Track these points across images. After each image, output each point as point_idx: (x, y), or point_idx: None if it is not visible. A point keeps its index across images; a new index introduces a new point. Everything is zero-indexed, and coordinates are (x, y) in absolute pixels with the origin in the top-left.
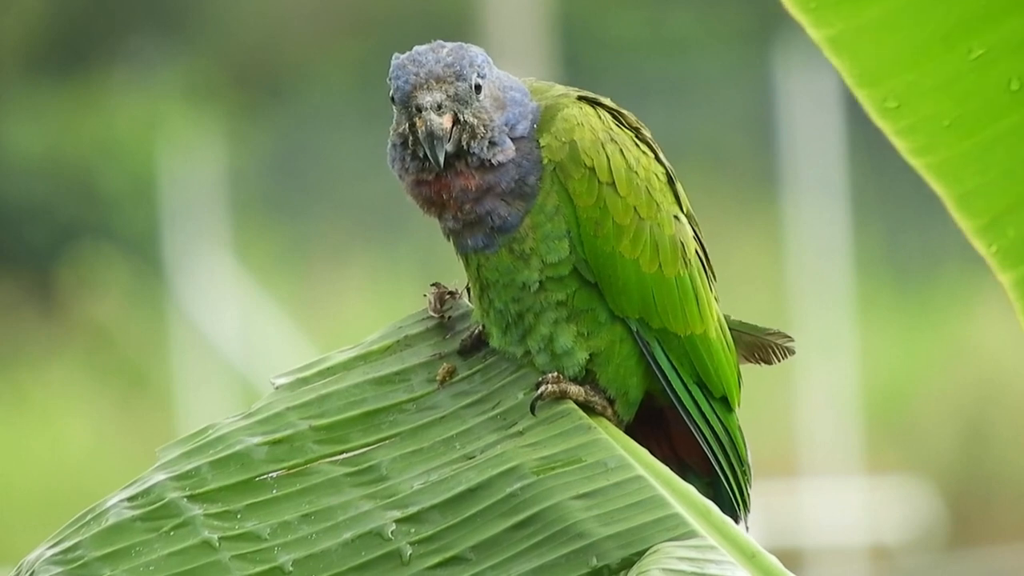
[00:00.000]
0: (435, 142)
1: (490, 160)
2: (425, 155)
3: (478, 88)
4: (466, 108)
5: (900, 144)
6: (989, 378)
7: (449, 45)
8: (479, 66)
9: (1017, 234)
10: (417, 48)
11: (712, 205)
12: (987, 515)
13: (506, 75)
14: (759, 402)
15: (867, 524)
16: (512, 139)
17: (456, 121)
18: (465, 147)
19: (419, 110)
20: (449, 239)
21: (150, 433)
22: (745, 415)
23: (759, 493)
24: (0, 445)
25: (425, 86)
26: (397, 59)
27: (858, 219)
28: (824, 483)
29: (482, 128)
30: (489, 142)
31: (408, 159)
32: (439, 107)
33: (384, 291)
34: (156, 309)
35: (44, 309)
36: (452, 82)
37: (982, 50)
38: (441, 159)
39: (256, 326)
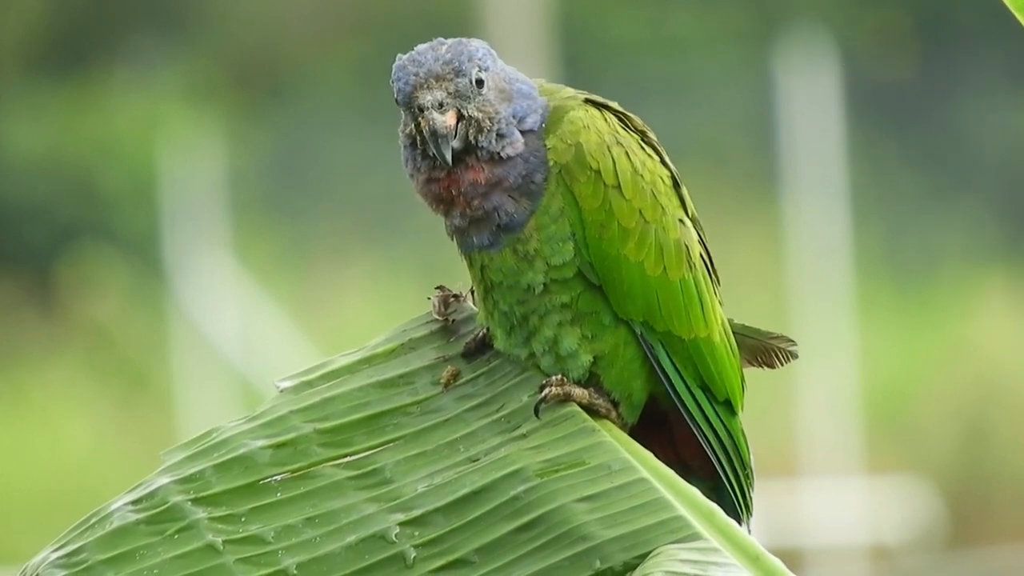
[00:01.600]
0: (439, 140)
1: (499, 153)
2: (435, 154)
3: (480, 82)
4: (468, 103)
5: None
6: (989, 378)
7: (449, 41)
8: (479, 60)
9: None
10: (417, 47)
11: (712, 205)
12: (987, 515)
13: (512, 69)
14: (759, 402)
15: (867, 524)
16: (521, 132)
17: (460, 117)
18: (473, 142)
19: (421, 110)
20: (453, 238)
21: (150, 433)
22: (745, 415)
23: (759, 493)
24: (0, 445)
25: (425, 85)
26: (399, 60)
27: (858, 219)
28: (824, 483)
29: (488, 121)
30: (497, 134)
31: (419, 159)
32: (440, 105)
33: (384, 291)
34: (156, 309)
35: (44, 309)
36: (452, 79)
37: None
38: (448, 156)
39: (256, 326)
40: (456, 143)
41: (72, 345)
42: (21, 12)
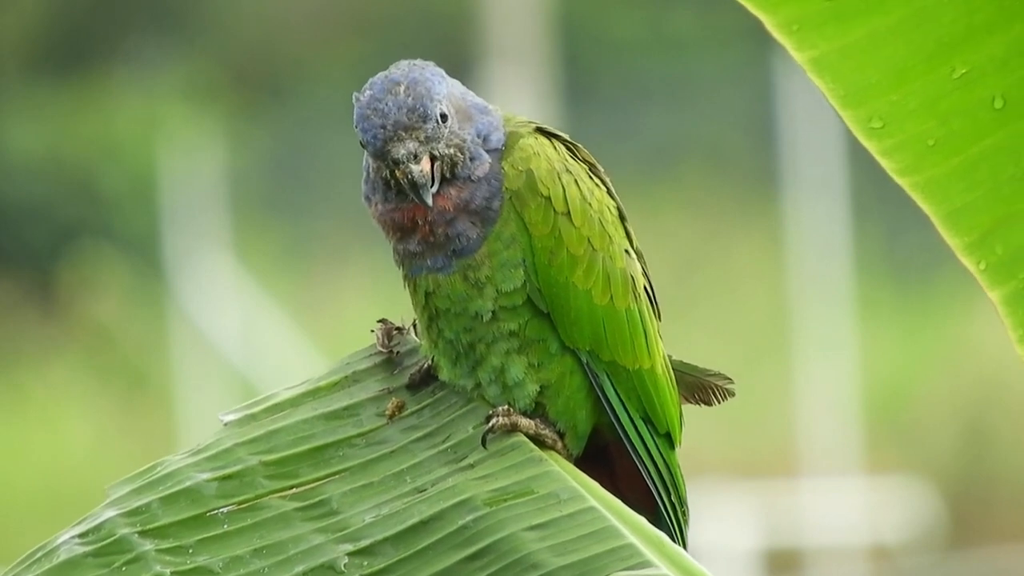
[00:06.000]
0: (420, 189)
1: (470, 176)
2: (413, 198)
3: (443, 117)
4: (439, 143)
5: (886, 164)
6: (989, 378)
7: (403, 79)
8: (437, 93)
9: (1005, 251)
10: (373, 90)
11: (712, 205)
12: (987, 515)
13: (456, 83)
14: (759, 402)
15: (867, 524)
16: (487, 151)
17: (433, 159)
18: (449, 176)
19: (396, 163)
20: (401, 266)
21: (150, 433)
22: (745, 415)
23: (759, 493)
24: (0, 445)
25: (395, 138)
26: (358, 105)
27: (858, 219)
28: (824, 483)
29: (459, 153)
30: (469, 159)
31: (391, 194)
32: (415, 156)
33: (384, 291)
34: (156, 309)
35: (44, 309)
36: (420, 126)
37: (965, 69)
38: (429, 200)
39: (256, 326)
40: (433, 188)
41: (72, 345)
42: (21, 12)
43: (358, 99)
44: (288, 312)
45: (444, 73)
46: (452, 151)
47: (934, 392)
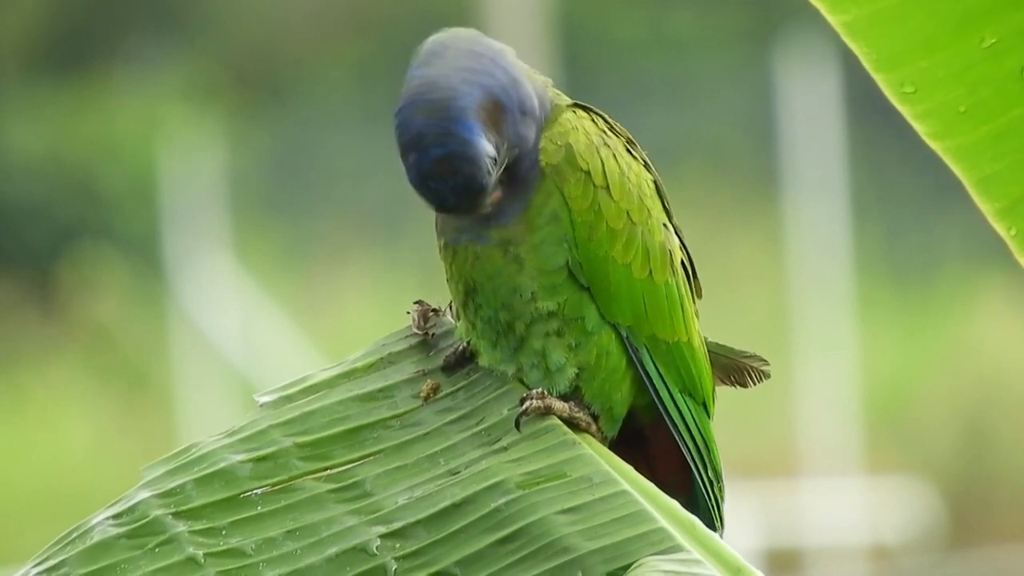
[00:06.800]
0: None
1: (520, 153)
2: None
3: (494, 161)
4: (496, 179)
5: (919, 127)
6: (989, 378)
7: (441, 151)
8: (481, 153)
9: None
10: (418, 158)
11: (712, 205)
12: (987, 515)
13: (479, 65)
14: (759, 402)
15: (867, 524)
16: (522, 113)
17: (495, 184)
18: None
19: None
20: (441, 234)
21: (150, 433)
22: (745, 415)
23: (759, 493)
24: (0, 445)
25: (460, 212)
26: (408, 170)
27: (858, 219)
28: (824, 483)
29: (511, 155)
30: (520, 143)
31: None
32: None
33: (384, 291)
34: (156, 309)
35: (44, 309)
36: (480, 195)
37: (994, 39)
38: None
39: (256, 326)
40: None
41: (72, 345)
42: (21, 12)
43: (405, 159)
44: (288, 312)
45: (464, 80)
46: (506, 161)
47: (934, 392)
